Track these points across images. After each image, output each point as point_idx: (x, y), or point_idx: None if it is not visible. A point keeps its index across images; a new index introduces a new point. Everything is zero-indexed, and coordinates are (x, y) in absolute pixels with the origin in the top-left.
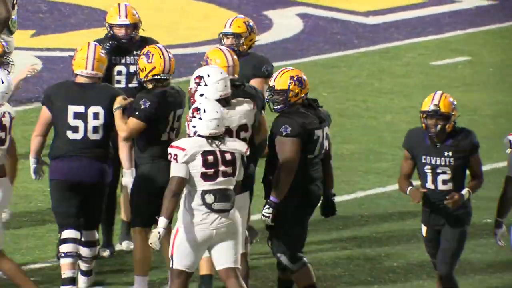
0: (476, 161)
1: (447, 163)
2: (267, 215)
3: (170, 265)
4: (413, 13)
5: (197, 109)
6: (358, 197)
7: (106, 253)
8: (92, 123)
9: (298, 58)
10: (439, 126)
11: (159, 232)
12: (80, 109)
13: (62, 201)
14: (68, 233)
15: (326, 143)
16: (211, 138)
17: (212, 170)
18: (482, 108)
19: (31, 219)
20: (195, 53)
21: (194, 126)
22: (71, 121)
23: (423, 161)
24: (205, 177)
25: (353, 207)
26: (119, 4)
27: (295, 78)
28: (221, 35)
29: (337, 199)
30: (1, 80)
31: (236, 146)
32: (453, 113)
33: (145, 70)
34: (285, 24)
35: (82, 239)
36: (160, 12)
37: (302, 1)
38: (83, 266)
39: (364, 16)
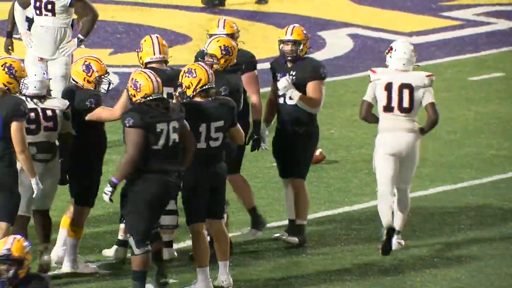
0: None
1: None
2: (108, 193)
3: None
4: (453, 34)
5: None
6: None
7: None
8: None
9: (349, 74)
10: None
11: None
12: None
13: None
14: None
15: (175, 136)
16: (32, 97)
17: (34, 125)
18: None
19: (109, 218)
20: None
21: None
22: None
23: None
24: (27, 131)
25: None
26: (218, 19)
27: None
28: (280, 42)
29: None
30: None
31: (56, 103)
32: None
33: (192, 85)
34: (337, 43)
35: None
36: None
37: (353, 23)
38: (164, 236)
39: (408, 36)
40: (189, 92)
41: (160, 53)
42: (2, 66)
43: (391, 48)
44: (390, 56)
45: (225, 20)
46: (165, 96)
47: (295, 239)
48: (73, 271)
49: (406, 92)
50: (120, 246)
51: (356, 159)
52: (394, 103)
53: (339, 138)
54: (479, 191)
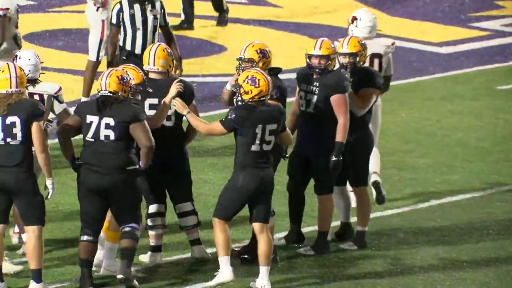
0: None
1: None
2: None
3: None
4: (481, 44)
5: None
6: (432, 205)
7: None
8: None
9: None
10: None
11: None
12: None
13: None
14: (154, 208)
15: (105, 132)
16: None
17: None
18: None
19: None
20: (289, 78)
21: None
22: None
23: None
24: None
25: (428, 214)
26: (317, 39)
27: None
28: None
29: (413, 207)
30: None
31: (46, 88)
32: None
33: (251, 93)
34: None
35: (179, 211)
36: None
37: (385, 33)
38: (189, 236)
39: (438, 46)
40: (246, 98)
41: (154, 65)
42: (22, 70)
43: (355, 18)
44: (356, 26)
45: (322, 40)
46: (146, 107)
47: (354, 247)
48: (112, 275)
49: (376, 62)
50: (154, 252)
51: (387, 166)
52: None
53: None
54: (508, 197)
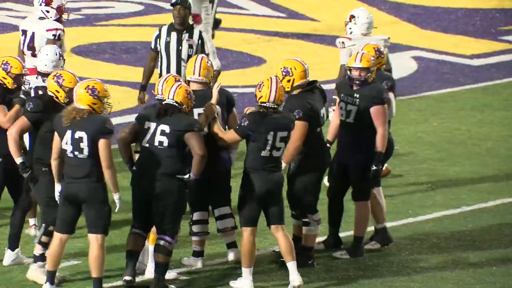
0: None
1: None
2: None
3: None
4: (511, 56)
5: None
6: (463, 211)
7: None
8: None
9: (413, 93)
10: None
11: None
12: None
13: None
14: (198, 215)
15: (160, 138)
16: (43, 74)
17: None
18: None
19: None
20: (326, 89)
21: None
22: None
23: None
24: None
25: (459, 219)
26: (357, 52)
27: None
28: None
29: (445, 213)
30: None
31: None
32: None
33: (256, 96)
34: (402, 65)
35: (218, 214)
36: (296, 54)
37: (417, 46)
38: (226, 239)
39: (469, 58)
40: (261, 100)
41: (199, 75)
42: (85, 88)
43: (352, 16)
44: (355, 23)
45: (362, 54)
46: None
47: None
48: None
49: None
50: (196, 256)
51: (419, 174)
52: None
53: (404, 154)
54: None
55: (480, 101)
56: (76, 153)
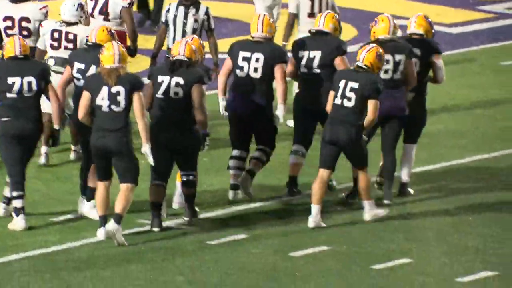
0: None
1: None
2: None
3: None
4: (487, 25)
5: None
6: (443, 166)
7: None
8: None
9: None
10: None
11: None
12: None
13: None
14: (237, 152)
15: (175, 89)
16: (62, 22)
17: (56, 43)
18: None
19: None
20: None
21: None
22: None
23: None
24: (51, 47)
25: (439, 174)
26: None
27: None
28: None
29: (426, 168)
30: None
31: (80, 30)
32: None
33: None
34: None
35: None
36: None
37: (402, 15)
38: (251, 166)
39: (449, 27)
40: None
41: (262, 32)
42: (123, 47)
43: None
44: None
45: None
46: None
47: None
48: (181, 207)
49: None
50: (232, 190)
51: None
52: None
53: None
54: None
55: (459, 66)
56: (112, 106)
